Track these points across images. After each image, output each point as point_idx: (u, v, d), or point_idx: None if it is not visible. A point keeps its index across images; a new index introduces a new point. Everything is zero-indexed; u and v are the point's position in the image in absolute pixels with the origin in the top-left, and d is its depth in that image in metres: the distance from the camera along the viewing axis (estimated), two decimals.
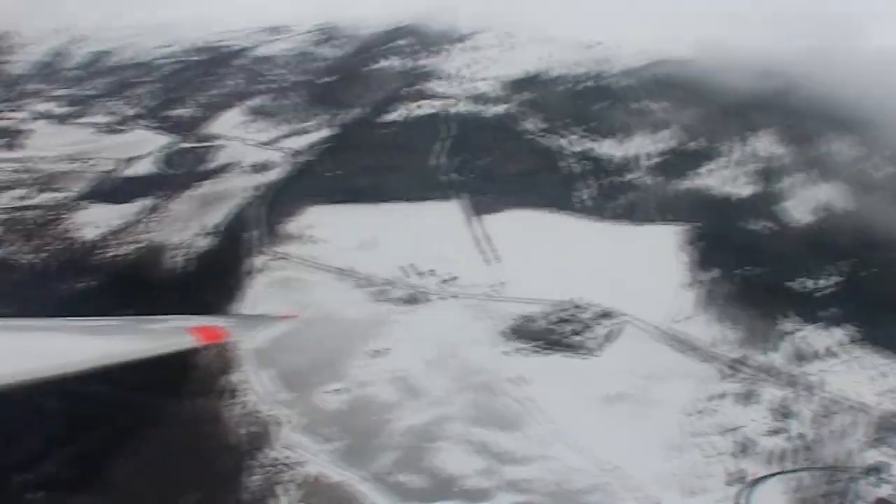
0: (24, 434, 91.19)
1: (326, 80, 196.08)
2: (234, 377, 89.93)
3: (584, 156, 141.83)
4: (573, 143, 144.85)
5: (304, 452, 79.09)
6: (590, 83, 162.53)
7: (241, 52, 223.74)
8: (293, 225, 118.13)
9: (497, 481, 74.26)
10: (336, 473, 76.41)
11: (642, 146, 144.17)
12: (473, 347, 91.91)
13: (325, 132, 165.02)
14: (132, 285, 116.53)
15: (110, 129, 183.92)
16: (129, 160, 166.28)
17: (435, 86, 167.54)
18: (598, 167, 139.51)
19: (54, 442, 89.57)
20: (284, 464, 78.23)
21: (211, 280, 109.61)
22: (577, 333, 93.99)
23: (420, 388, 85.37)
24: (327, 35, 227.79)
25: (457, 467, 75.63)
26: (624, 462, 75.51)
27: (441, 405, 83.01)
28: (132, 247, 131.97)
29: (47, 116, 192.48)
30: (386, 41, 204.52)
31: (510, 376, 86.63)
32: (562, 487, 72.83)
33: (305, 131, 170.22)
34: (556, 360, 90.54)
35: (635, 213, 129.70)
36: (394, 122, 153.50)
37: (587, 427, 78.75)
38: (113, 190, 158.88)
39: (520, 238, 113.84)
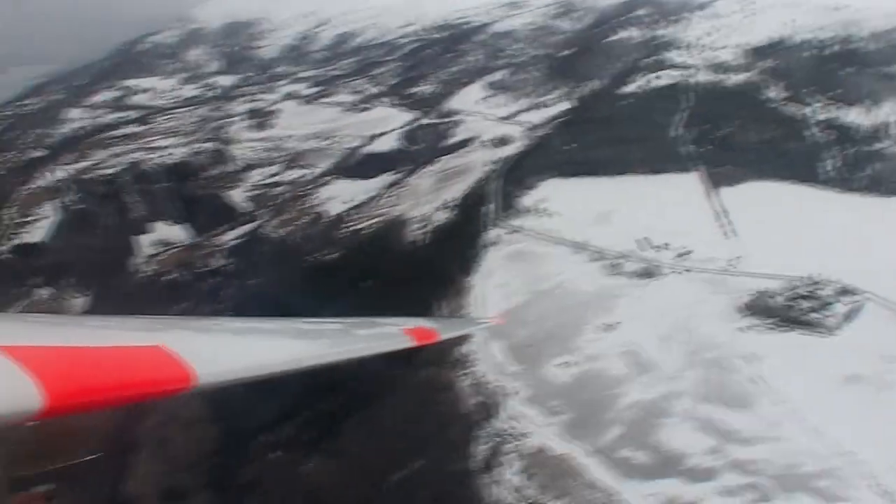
0: (267, 398, 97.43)
1: (565, 53, 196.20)
2: (466, 349, 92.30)
3: (829, 124, 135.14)
4: (818, 111, 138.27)
5: (529, 424, 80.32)
6: (836, 48, 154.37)
7: (480, 28, 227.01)
8: (528, 199, 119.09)
9: (723, 461, 72.42)
10: (560, 446, 77.35)
11: (892, 114, 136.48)
12: (706, 323, 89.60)
13: (563, 105, 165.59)
14: (374, 257, 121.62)
15: (355, 107, 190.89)
16: (373, 137, 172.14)
17: (674, 56, 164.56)
18: (844, 136, 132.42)
19: (294, 406, 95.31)
20: (510, 435, 79.74)
21: (448, 253, 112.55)
22: (814, 311, 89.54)
23: (650, 362, 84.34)
24: (565, 8, 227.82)
25: (683, 445, 74.28)
26: (858, 448, 71.12)
27: (671, 381, 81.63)
28: (374, 220, 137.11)
29: (295, 97, 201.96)
30: (624, 12, 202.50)
31: (743, 353, 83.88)
32: (790, 470, 70.12)
33: (544, 105, 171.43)
34: (792, 338, 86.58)
35: (883, 184, 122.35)
36: (632, 94, 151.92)
37: (821, 409, 75.12)
38: (357, 166, 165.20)
39: (759, 211, 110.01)
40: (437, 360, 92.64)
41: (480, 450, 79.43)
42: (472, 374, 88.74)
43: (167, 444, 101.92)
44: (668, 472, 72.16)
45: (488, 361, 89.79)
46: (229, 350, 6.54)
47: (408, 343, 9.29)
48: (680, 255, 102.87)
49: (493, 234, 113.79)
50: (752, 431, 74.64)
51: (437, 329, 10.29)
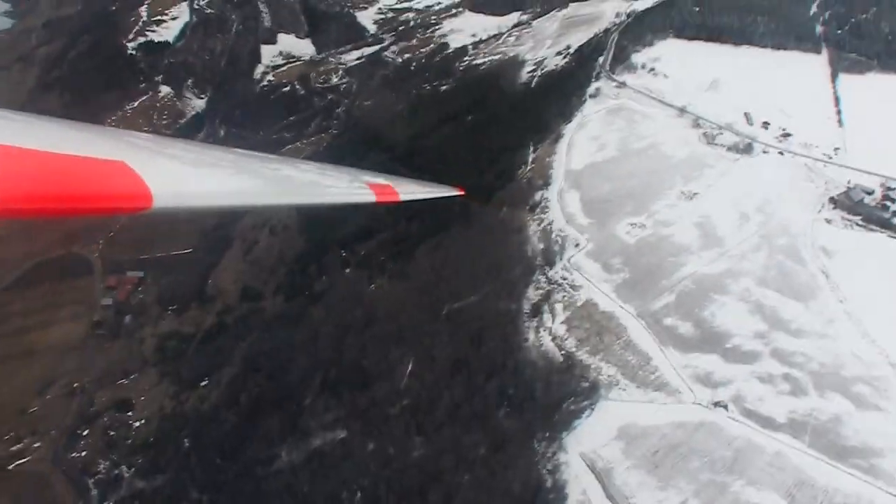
0: (353, 217, 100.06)
1: None
2: (544, 194, 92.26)
3: None
4: None
5: (584, 278, 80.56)
6: None
7: None
8: (642, 56, 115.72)
9: (766, 347, 71.45)
10: (608, 304, 77.47)
11: None
12: (788, 208, 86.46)
13: None
14: (483, 93, 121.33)
15: None
16: None
17: None
18: None
19: (375, 228, 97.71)
20: (563, 284, 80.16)
21: (552, 98, 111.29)
22: None
23: (719, 237, 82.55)
24: None
25: (731, 324, 73.48)
26: None
27: (735, 259, 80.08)
28: (493, 58, 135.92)
29: None
30: None
31: (816, 245, 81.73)
32: (830, 370, 68.59)
33: None
34: (870, 238, 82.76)
35: None
36: None
37: (878, 317, 72.79)
38: (489, 2, 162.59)
39: (872, 104, 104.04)
40: (516, 201, 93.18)
41: (532, 294, 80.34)
42: (544, 220, 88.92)
43: (255, 246, 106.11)
44: (708, 348, 71.82)
45: (562, 210, 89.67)
46: (191, 178, 6.50)
47: (368, 197, 9.47)
48: (780, 136, 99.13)
49: (598, 85, 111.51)
50: (803, 324, 73.10)
51: (400, 190, 10.48)
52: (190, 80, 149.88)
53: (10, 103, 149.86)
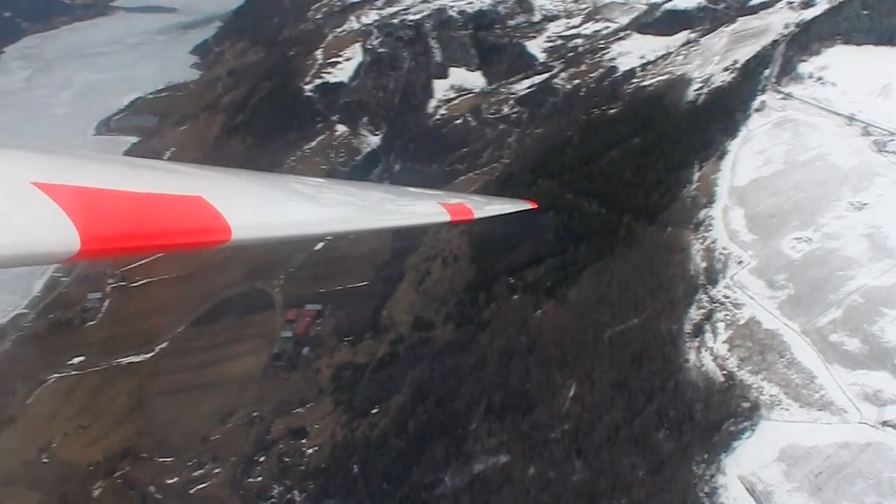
0: (522, 243, 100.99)
1: None
2: (707, 212, 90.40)
3: None
4: None
5: (747, 295, 78.25)
6: None
7: None
8: (809, 65, 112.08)
9: None
10: (772, 321, 74.90)
11: None
12: None
13: None
14: (649, 114, 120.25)
15: None
16: None
17: None
18: None
19: (543, 253, 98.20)
20: (725, 303, 78.15)
21: (717, 115, 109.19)
22: None
23: (891, 248, 78.50)
24: None
25: None
26: None
27: None
28: (660, 78, 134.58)
29: None
30: None
31: None
32: None
33: None
34: None
35: None
36: None
37: None
38: (656, 22, 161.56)
39: None
40: (680, 221, 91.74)
41: (694, 314, 78.75)
42: (707, 238, 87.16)
43: (427, 278, 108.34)
44: (877, 365, 68.50)
45: (726, 227, 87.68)
46: (266, 208, 6.62)
47: (443, 217, 9.20)
48: None
49: (764, 99, 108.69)
50: None
51: (474, 208, 10.10)
52: (365, 118, 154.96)
53: (197, 149, 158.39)
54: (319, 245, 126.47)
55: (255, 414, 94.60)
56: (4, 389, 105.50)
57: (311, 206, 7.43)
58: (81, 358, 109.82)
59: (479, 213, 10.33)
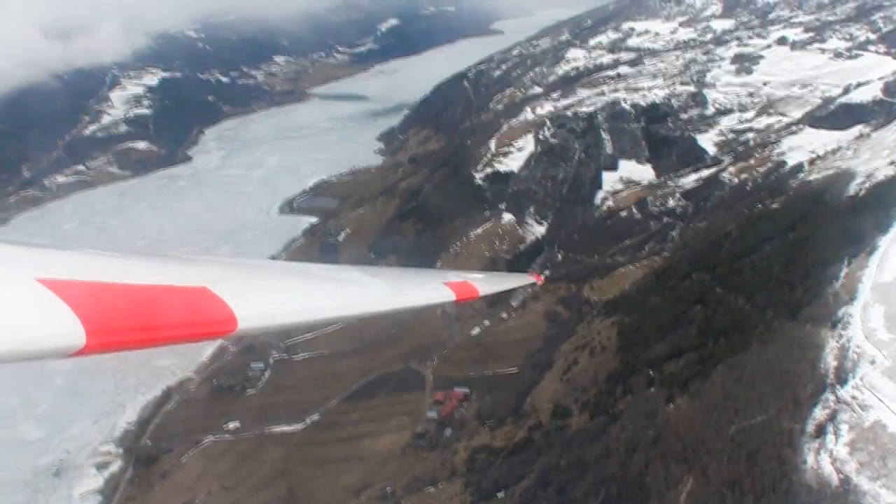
0: (667, 335, 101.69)
1: None
2: (847, 309, 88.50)
3: None
4: None
5: (875, 397, 76.02)
6: None
7: None
8: None
9: None
10: None
11: None
12: None
13: None
14: (810, 208, 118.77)
15: (842, 55, 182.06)
16: (853, 86, 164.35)
17: None
18: None
19: (685, 346, 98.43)
20: (852, 404, 76.17)
21: (873, 210, 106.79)
22: None
23: None
24: None
25: None
26: None
27: None
28: (826, 172, 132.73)
29: (784, 43, 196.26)
30: None
31: None
32: None
33: None
34: None
35: None
36: None
37: None
38: (830, 116, 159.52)
39: None
40: (820, 317, 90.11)
41: (818, 413, 77.13)
42: (843, 336, 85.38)
43: (574, 367, 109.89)
44: None
45: (863, 325, 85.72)
46: (271, 296, 6.62)
47: (448, 297, 9.23)
48: None
49: None
50: None
51: (479, 285, 10.23)
52: (531, 207, 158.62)
53: (370, 231, 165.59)
54: (476, 330, 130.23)
55: (388, 489, 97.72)
56: (165, 447, 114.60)
57: (316, 293, 7.46)
58: (237, 423, 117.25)
59: (483, 291, 10.52)
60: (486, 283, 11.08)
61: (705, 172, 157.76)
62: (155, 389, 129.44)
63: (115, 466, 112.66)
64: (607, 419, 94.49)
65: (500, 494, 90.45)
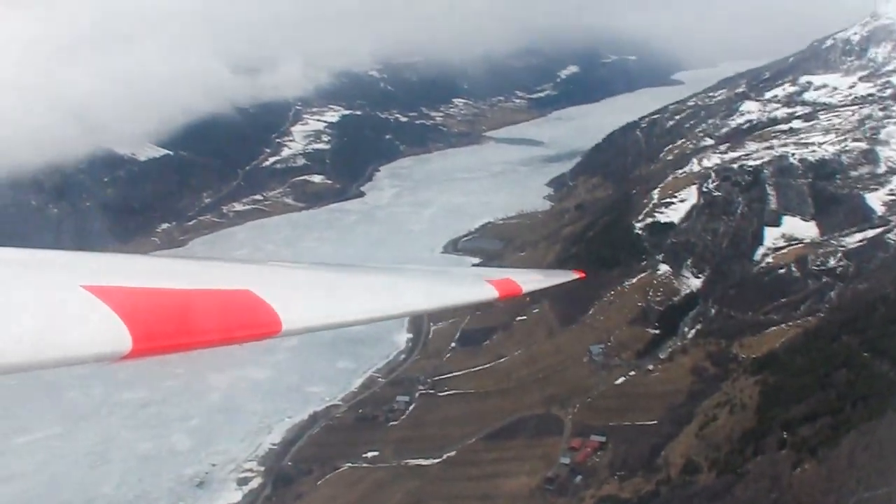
0: (810, 394, 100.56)
1: None
2: None
3: None
4: None
5: None
6: None
7: None
8: None
9: None
10: None
11: None
12: None
13: None
14: None
15: None
16: None
17: None
18: None
19: (821, 411, 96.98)
20: None
21: None
22: None
23: None
24: None
25: None
26: None
27: None
28: None
29: None
30: None
31: None
32: None
33: None
34: None
35: None
36: None
37: None
38: None
39: None
40: None
41: None
42: None
43: (712, 423, 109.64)
44: None
45: None
46: (314, 298, 6.66)
47: (491, 294, 9.10)
48: None
49: None
50: None
51: (521, 282, 10.13)
52: (689, 260, 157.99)
53: None
54: (621, 379, 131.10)
55: None
56: (304, 469, 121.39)
57: (359, 294, 7.51)
58: (376, 453, 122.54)
59: (526, 287, 10.49)
60: (528, 280, 11.09)
61: (870, 232, 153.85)
62: (302, 413, 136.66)
63: (255, 483, 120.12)
64: (734, 478, 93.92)
65: None
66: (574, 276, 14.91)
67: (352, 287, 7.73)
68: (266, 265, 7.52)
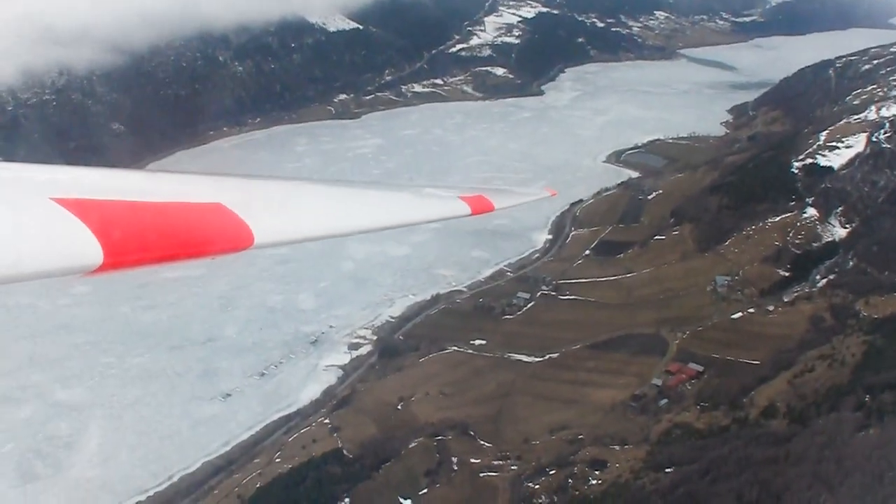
0: None
1: None
2: None
3: None
4: None
5: None
6: None
7: None
8: None
9: None
10: None
11: None
12: None
13: None
14: None
15: None
16: None
17: None
18: None
19: None
20: None
21: None
22: None
23: None
24: None
25: None
26: None
27: None
28: None
29: None
30: None
31: None
32: None
33: None
34: None
35: None
36: None
37: None
38: None
39: None
40: None
41: None
42: None
43: (805, 374, 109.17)
44: None
45: None
46: (287, 212, 6.67)
47: (464, 211, 9.33)
48: None
49: None
50: None
51: (493, 199, 10.32)
52: (840, 208, 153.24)
53: (679, 197, 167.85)
54: (738, 314, 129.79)
55: (580, 436, 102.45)
56: (412, 345, 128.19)
57: (332, 209, 7.51)
58: (483, 342, 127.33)
59: (499, 205, 10.59)
60: (500, 198, 11.23)
61: None
62: (426, 293, 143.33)
63: (364, 350, 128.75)
64: (799, 428, 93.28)
65: (669, 470, 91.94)
66: (546, 193, 15.56)
67: (324, 202, 7.92)
68: (238, 178, 7.50)
